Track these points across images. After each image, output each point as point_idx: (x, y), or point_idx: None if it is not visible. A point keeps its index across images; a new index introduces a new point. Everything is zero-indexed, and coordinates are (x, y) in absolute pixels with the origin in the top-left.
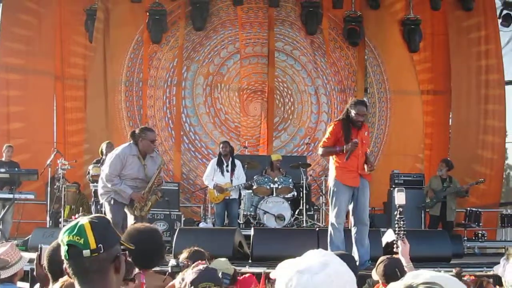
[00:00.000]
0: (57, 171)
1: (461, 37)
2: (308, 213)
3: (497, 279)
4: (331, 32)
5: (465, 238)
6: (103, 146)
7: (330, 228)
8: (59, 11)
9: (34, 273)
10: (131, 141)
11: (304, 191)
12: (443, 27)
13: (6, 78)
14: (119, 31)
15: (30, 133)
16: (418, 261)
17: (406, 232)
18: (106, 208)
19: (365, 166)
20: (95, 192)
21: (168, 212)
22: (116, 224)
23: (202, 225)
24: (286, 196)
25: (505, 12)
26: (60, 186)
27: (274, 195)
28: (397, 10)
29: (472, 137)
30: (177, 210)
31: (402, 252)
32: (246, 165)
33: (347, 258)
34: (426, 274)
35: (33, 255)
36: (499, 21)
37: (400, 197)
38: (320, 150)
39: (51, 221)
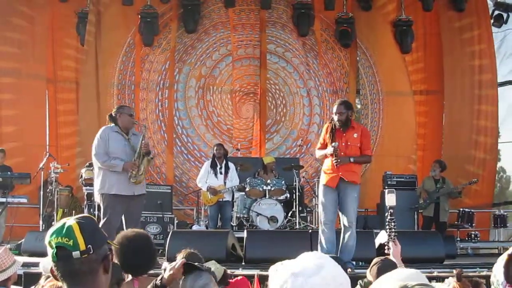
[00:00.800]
0: (50, 174)
1: (454, 37)
2: (301, 215)
3: (489, 280)
4: (323, 33)
5: (458, 239)
6: None
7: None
8: (51, 15)
9: None
10: (111, 124)
11: (297, 193)
12: (436, 27)
13: None
14: (111, 34)
15: (22, 136)
16: (411, 262)
17: (398, 233)
18: (102, 205)
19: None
20: (88, 195)
21: (161, 215)
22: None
23: (195, 227)
24: (279, 198)
25: (497, 12)
26: (53, 189)
27: (267, 197)
28: (389, 11)
29: (465, 138)
30: (170, 213)
31: (394, 253)
32: (238, 167)
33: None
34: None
35: (26, 259)
36: (491, 21)
37: (390, 199)
38: (315, 153)
39: (44, 225)
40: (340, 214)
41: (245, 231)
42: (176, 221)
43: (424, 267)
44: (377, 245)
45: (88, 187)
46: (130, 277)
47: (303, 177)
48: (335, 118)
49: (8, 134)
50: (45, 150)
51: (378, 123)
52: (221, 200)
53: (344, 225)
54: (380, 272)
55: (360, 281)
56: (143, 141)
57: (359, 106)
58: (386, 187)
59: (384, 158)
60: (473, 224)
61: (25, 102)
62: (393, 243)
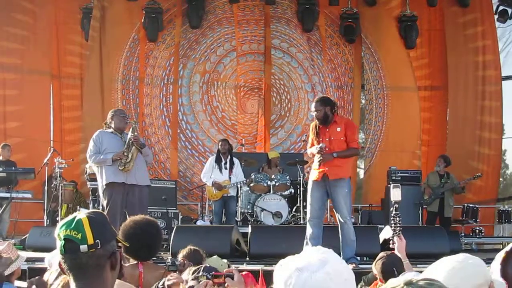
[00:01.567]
0: (54, 169)
1: (458, 33)
2: (305, 210)
3: None
4: (328, 29)
5: (463, 234)
6: None
7: None
8: (54, 10)
9: None
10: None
11: (301, 188)
12: (440, 23)
13: (2, 77)
14: (115, 29)
15: (26, 132)
16: (416, 258)
17: (402, 229)
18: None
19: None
20: (93, 190)
21: (165, 210)
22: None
23: (199, 222)
24: (283, 194)
25: (501, 8)
26: (57, 184)
27: (272, 192)
28: (393, 6)
29: (469, 133)
30: (174, 208)
31: (398, 249)
32: (243, 163)
33: None
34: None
35: (30, 254)
36: (495, 17)
37: (396, 194)
38: (307, 153)
39: (48, 220)
40: (334, 211)
41: (250, 226)
42: (180, 216)
43: (428, 262)
44: (381, 240)
45: (92, 182)
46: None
47: (308, 172)
48: (313, 115)
49: (13, 130)
50: (49, 146)
51: (383, 118)
52: (225, 195)
53: (339, 222)
54: (384, 267)
55: (363, 277)
56: (132, 134)
57: (363, 101)
58: (391, 183)
59: (388, 153)
60: (478, 220)
61: (29, 98)
62: (398, 238)
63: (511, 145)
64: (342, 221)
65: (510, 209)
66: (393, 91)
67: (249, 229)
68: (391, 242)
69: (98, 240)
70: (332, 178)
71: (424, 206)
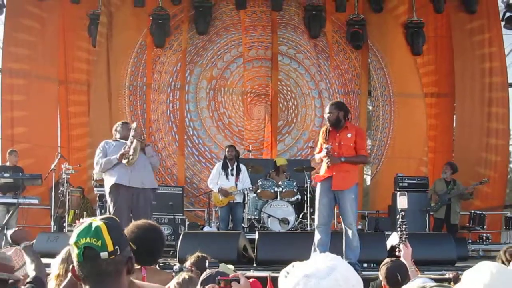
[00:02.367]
0: (61, 175)
1: (465, 39)
2: (313, 216)
3: None
4: (335, 35)
5: (470, 241)
6: None
7: None
8: (62, 16)
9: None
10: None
11: (309, 195)
12: (446, 30)
13: (10, 83)
14: (123, 35)
15: (34, 137)
16: (423, 264)
17: (409, 236)
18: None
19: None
20: (100, 196)
21: (172, 216)
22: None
23: (206, 229)
24: (291, 200)
25: (508, 14)
26: (64, 190)
27: (279, 198)
28: (400, 13)
29: (476, 140)
30: (181, 214)
31: (404, 256)
32: (250, 169)
33: None
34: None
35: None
36: (502, 23)
37: (402, 201)
38: (315, 158)
39: (55, 226)
40: (340, 216)
41: (257, 232)
42: (187, 223)
43: (435, 269)
44: (388, 247)
45: (99, 188)
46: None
47: (314, 178)
48: (325, 117)
49: (20, 135)
50: (56, 151)
51: (390, 125)
52: (232, 201)
53: (344, 227)
54: (388, 272)
55: (372, 283)
56: (134, 130)
57: (370, 108)
58: (398, 189)
59: (395, 160)
60: (485, 226)
61: (36, 104)
62: (404, 246)
63: None
64: (347, 227)
65: None
66: (400, 97)
67: (256, 236)
68: (397, 249)
69: (117, 247)
70: (337, 188)
71: (431, 213)
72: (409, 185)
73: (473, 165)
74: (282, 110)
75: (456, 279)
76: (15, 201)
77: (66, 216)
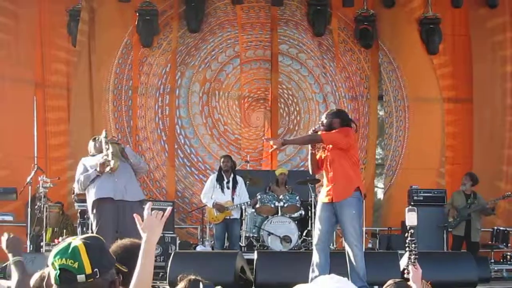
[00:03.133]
0: (38, 189)
1: (484, 39)
2: None
3: None
4: (341, 33)
5: (492, 261)
6: None
7: None
8: (38, 12)
9: None
10: None
11: (313, 210)
12: (465, 27)
13: None
14: (106, 33)
15: (7, 147)
16: (441, 287)
17: (423, 255)
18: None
19: None
20: (81, 212)
21: (161, 235)
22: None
23: (199, 248)
24: (293, 216)
25: None
26: (42, 206)
27: (280, 214)
28: (414, 8)
29: (496, 152)
30: (171, 232)
31: (413, 278)
32: (248, 181)
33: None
34: None
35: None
36: None
37: (411, 217)
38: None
39: (31, 245)
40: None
41: (255, 252)
42: (178, 241)
43: None
44: (402, 267)
45: (80, 204)
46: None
47: (320, 192)
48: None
49: None
50: (33, 163)
51: (404, 132)
52: (228, 217)
53: (346, 246)
54: None
55: None
56: (105, 134)
57: (381, 113)
58: (412, 203)
59: (409, 171)
60: (509, 244)
61: (10, 109)
62: (412, 267)
63: None
64: (348, 246)
65: None
66: (415, 102)
67: (255, 256)
68: (406, 271)
69: (96, 269)
70: (337, 200)
71: (449, 230)
72: (424, 199)
73: (493, 179)
74: (283, 116)
75: None
76: None
77: (44, 234)
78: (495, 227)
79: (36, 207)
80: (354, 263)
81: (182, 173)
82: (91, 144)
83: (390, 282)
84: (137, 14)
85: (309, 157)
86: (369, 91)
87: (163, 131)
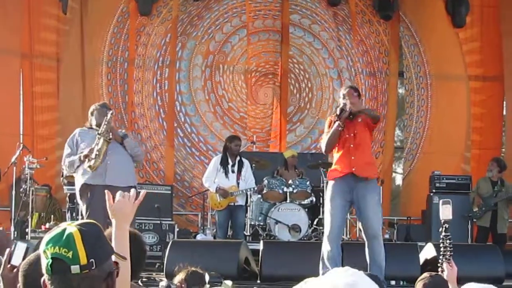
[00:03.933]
0: (24, 170)
1: None
2: None
3: None
4: (359, 2)
5: None
6: None
7: None
8: None
9: None
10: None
11: (324, 197)
12: None
13: None
14: (100, 0)
15: None
16: (465, 282)
17: (453, 253)
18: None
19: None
20: (70, 196)
21: (158, 222)
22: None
23: (200, 237)
24: (303, 203)
25: None
26: (27, 189)
27: (288, 201)
28: None
29: None
30: (169, 219)
31: (449, 277)
32: (254, 165)
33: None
34: None
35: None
36: None
37: (446, 211)
38: (322, 145)
39: (16, 232)
40: (360, 223)
41: (261, 242)
42: (176, 229)
43: None
44: (422, 261)
45: (70, 187)
46: None
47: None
48: (342, 105)
49: None
50: (18, 141)
51: (426, 113)
52: (232, 204)
53: (367, 237)
54: None
55: None
56: (105, 124)
57: (402, 91)
58: (434, 191)
59: (431, 155)
60: None
61: None
62: (447, 264)
63: None
64: (372, 236)
65: None
66: (439, 80)
67: (260, 246)
68: (440, 269)
69: (92, 260)
70: (362, 177)
71: (473, 220)
72: (447, 186)
73: None
74: (293, 93)
75: None
76: None
77: (30, 219)
78: None
79: (21, 190)
80: (377, 256)
81: (181, 154)
82: (95, 111)
83: (425, 275)
84: None
85: (332, 134)
86: (388, 67)
87: (162, 107)
